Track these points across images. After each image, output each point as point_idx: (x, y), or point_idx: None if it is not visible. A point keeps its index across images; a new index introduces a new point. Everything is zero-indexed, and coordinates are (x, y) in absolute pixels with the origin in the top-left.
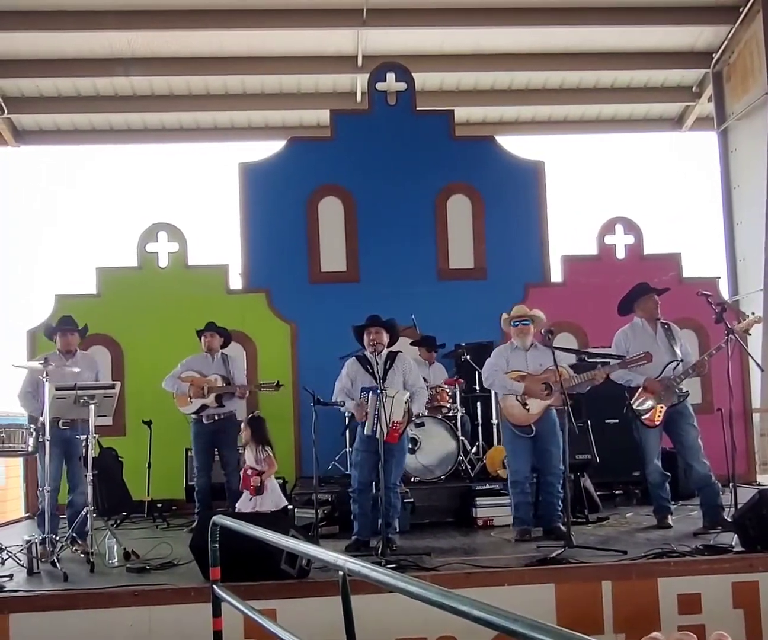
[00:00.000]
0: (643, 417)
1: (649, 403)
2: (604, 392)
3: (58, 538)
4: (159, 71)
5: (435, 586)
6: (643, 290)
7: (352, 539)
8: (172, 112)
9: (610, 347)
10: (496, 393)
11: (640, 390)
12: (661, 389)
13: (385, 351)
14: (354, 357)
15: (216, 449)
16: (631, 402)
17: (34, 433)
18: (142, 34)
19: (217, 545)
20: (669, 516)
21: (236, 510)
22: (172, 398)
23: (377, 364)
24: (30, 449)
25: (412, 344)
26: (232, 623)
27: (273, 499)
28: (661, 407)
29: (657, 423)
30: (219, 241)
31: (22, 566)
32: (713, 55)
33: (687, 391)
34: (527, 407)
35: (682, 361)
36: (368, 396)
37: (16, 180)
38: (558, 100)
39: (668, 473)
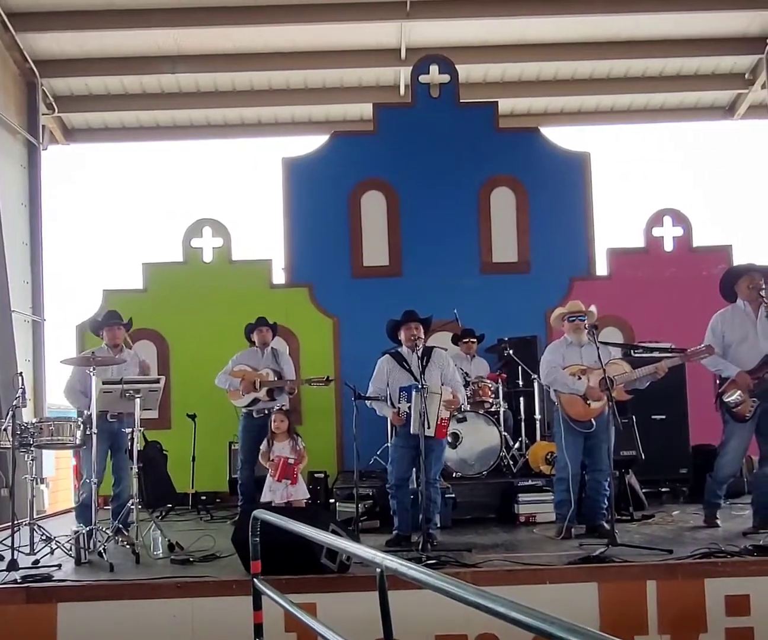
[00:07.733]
0: (733, 410)
1: (738, 395)
2: (650, 387)
3: (104, 529)
4: (204, 68)
5: (471, 585)
6: (744, 270)
7: (392, 533)
8: (217, 108)
9: (658, 342)
10: (551, 388)
11: (729, 382)
12: (752, 382)
13: (421, 346)
14: (387, 354)
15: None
16: (721, 393)
17: (82, 426)
18: (187, 32)
19: (257, 539)
20: (717, 514)
21: (263, 498)
22: (217, 392)
23: (416, 360)
24: (78, 441)
25: (453, 341)
26: (274, 615)
27: (302, 489)
28: (753, 401)
29: (748, 417)
30: (262, 236)
31: (70, 556)
32: (767, 40)
33: None
34: (588, 402)
35: None
36: (408, 396)
37: (66, 177)
38: (605, 89)
39: (736, 476)
